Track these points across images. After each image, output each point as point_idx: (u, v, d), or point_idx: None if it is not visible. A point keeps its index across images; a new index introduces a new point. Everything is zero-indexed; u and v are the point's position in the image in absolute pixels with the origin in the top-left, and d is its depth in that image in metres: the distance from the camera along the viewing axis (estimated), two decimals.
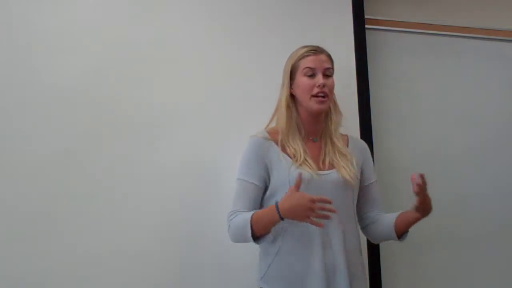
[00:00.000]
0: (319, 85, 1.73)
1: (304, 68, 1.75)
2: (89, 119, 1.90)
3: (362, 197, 1.85)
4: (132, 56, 1.98)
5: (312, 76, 1.75)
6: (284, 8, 2.19)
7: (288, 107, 1.77)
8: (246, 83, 2.09)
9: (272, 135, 1.77)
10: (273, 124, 1.83)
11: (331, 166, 1.75)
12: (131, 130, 1.94)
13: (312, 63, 1.75)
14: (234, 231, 1.68)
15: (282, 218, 1.57)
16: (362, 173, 1.84)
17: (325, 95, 1.74)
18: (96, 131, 1.90)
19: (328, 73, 1.77)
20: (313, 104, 1.74)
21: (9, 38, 1.86)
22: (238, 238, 1.69)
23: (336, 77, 2.21)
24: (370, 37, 2.34)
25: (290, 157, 1.72)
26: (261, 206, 1.74)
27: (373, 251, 2.17)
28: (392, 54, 2.44)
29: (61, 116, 1.88)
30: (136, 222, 1.89)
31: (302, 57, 1.77)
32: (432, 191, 2.38)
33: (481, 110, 2.54)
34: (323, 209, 1.53)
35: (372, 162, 1.92)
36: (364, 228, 1.88)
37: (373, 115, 2.27)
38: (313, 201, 1.52)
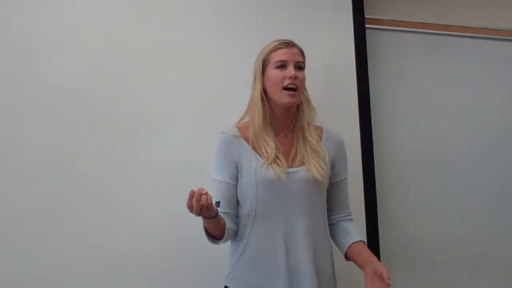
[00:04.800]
0: (290, 77, 1.70)
1: (275, 61, 1.73)
2: (89, 119, 1.90)
3: (328, 194, 1.79)
4: (132, 56, 1.98)
5: (283, 68, 1.72)
6: (284, 8, 2.19)
7: (262, 101, 1.73)
8: (245, 83, 2.08)
9: (242, 131, 1.74)
10: (245, 120, 1.80)
11: (302, 163, 1.72)
12: (131, 130, 1.94)
13: (283, 56, 1.72)
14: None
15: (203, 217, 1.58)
16: (332, 168, 1.79)
17: (296, 87, 1.71)
18: (96, 131, 1.91)
19: (299, 66, 1.74)
20: (284, 97, 1.70)
21: (9, 38, 1.86)
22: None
23: (336, 77, 2.23)
24: (370, 37, 2.34)
25: (260, 155, 1.70)
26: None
27: (373, 252, 2.17)
28: (392, 54, 2.44)
29: (61, 116, 1.88)
30: (135, 222, 1.89)
31: (274, 50, 1.74)
32: (432, 191, 2.41)
33: (481, 109, 2.54)
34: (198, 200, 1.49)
35: (346, 158, 1.84)
36: None
37: (373, 115, 2.27)
38: (189, 205, 1.50)
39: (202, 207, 1.49)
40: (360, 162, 2.20)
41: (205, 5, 2.10)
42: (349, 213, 1.85)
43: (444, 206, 2.41)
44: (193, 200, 1.49)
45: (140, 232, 1.90)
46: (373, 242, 2.18)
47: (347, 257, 1.77)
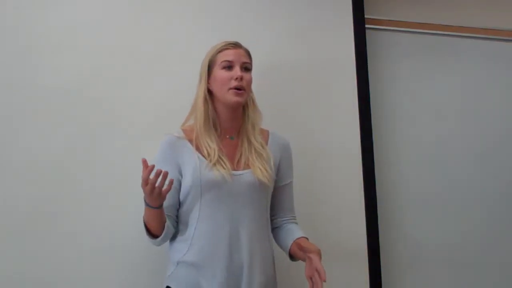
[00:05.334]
0: (236, 78, 1.68)
1: (222, 62, 1.71)
2: (89, 119, 1.90)
3: (272, 198, 1.78)
4: (132, 56, 1.98)
5: (230, 69, 1.71)
6: (284, 8, 2.19)
7: (205, 101, 1.72)
8: None
9: (187, 133, 1.72)
10: (191, 122, 1.78)
11: (247, 166, 1.70)
12: (132, 130, 1.94)
13: (230, 56, 1.71)
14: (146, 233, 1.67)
15: (148, 204, 1.57)
16: (278, 171, 1.78)
17: (243, 88, 1.70)
18: (96, 131, 1.91)
19: (246, 67, 1.73)
20: (231, 97, 1.69)
21: (9, 38, 1.86)
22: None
23: (336, 77, 2.23)
24: (370, 37, 2.34)
25: (204, 157, 1.68)
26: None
27: (373, 252, 2.18)
28: (392, 54, 2.44)
29: (61, 116, 1.88)
30: (136, 222, 1.88)
31: (220, 50, 1.73)
32: (432, 191, 2.41)
33: (481, 110, 2.54)
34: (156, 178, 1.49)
35: (292, 162, 1.83)
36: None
37: (373, 115, 2.27)
38: (146, 176, 1.49)
39: (155, 189, 1.49)
40: (360, 162, 2.20)
41: (204, 5, 2.10)
42: (294, 216, 1.83)
43: (444, 206, 2.42)
44: (153, 174, 1.47)
45: (141, 232, 1.89)
46: (373, 242, 2.17)
47: (291, 256, 1.75)
